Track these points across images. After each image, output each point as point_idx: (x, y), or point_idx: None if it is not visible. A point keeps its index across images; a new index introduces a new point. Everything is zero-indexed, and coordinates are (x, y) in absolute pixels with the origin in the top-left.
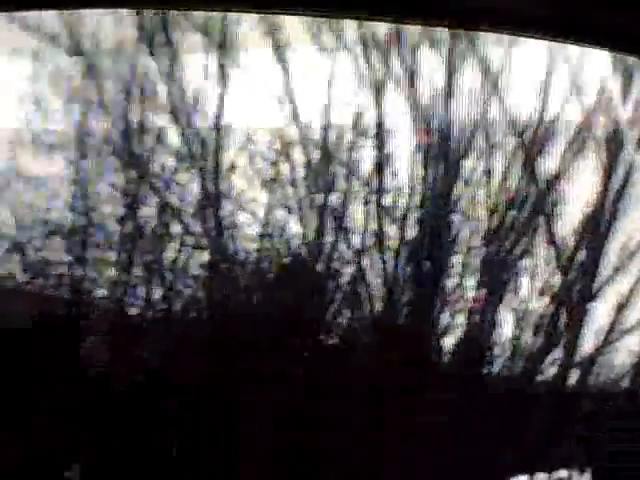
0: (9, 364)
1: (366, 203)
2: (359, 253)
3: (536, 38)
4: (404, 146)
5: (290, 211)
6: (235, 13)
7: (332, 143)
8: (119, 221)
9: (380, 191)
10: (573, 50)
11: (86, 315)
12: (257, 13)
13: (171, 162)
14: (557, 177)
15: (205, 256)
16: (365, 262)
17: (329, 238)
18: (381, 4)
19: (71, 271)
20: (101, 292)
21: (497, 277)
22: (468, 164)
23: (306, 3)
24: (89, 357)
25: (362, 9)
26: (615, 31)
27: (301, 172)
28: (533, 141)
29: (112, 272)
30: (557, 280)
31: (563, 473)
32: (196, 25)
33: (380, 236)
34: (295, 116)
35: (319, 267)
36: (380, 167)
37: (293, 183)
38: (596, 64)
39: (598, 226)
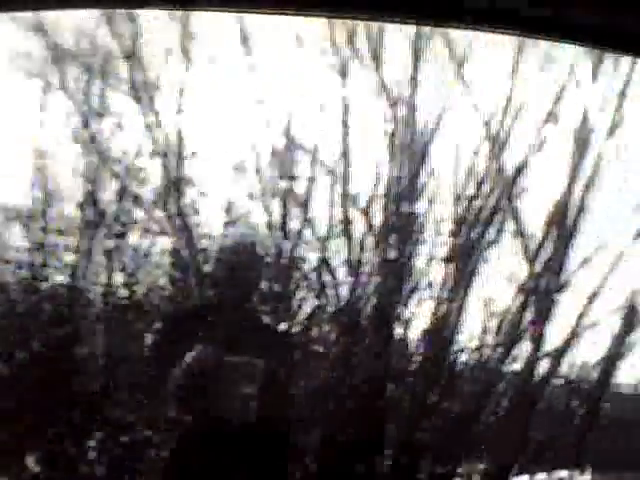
0: None
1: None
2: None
3: (536, 38)
4: (370, 132)
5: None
6: (235, 13)
7: (297, 130)
8: (80, 207)
9: (345, 178)
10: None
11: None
12: (258, 13)
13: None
14: (524, 167)
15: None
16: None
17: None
18: (381, 4)
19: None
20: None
21: (464, 267)
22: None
23: (306, 3)
24: None
25: (362, 9)
26: (615, 31)
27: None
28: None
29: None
30: (524, 271)
31: (563, 473)
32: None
33: (346, 223)
34: (260, 102)
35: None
36: (346, 153)
37: (258, 171)
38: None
39: (565, 217)
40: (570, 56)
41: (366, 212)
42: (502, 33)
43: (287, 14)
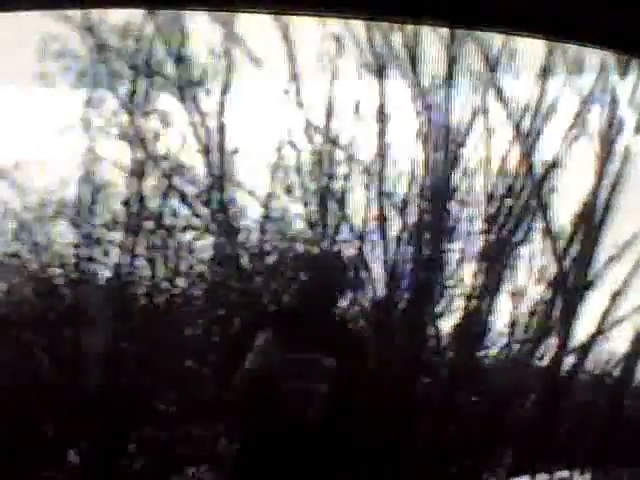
0: None
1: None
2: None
3: (536, 38)
4: (405, 133)
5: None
6: (236, 13)
7: (334, 130)
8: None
9: (381, 177)
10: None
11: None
12: (261, 13)
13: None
14: (554, 166)
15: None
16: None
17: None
18: (383, 4)
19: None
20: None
21: (495, 263)
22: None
23: (310, 3)
24: None
25: (364, 9)
26: (615, 31)
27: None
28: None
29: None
30: (553, 268)
31: (563, 473)
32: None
33: (381, 221)
34: (299, 103)
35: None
36: (382, 153)
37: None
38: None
39: (593, 215)
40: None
41: (401, 210)
42: (503, 33)
43: (287, 14)
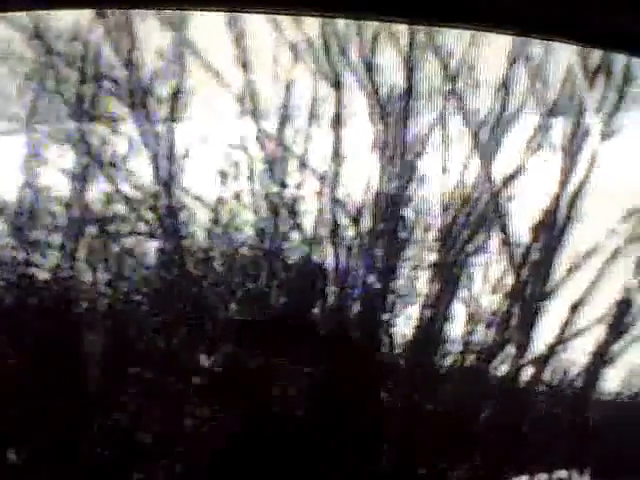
0: None
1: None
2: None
3: (536, 38)
4: (360, 140)
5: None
6: (235, 13)
7: (288, 136)
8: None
9: (335, 184)
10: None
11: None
12: (258, 13)
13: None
14: (514, 175)
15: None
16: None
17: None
18: (381, 5)
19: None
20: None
21: (450, 273)
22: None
23: (303, 3)
24: None
25: (362, 10)
26: (615, 31)
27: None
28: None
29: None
30: (510, 278)
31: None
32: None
33: (334, 229)
34: (253, 111)
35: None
36: (337, 159)
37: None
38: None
39: (553, 225)
40: (563, 62)
41: (355, 219)
42: (502, 33)
43: (287, 14)
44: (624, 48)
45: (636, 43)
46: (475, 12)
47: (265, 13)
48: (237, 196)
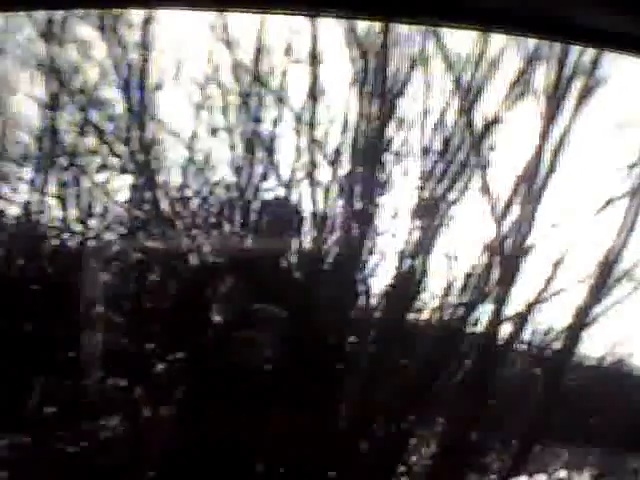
0: None
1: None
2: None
3: (536, 38)
4: (339, 77)
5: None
6: (235, 13)
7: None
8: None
9: (313, 123)
10: None
11: None
12: (258, 13)
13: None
14: (494, 123)
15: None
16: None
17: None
18: (381, 4)
19: None
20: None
21: (429, 222)
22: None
23: (305, 2)
24: None
25: (362, 9)
26: (615, 31)
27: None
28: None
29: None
30: (490, 230)
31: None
32: None
33: (311, 170)
34: (227, 41)
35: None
36: (314, 99)
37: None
38: None
39: (535, 178)
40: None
41: (333, 161)
42: (502, 33)
43: (287, 14)
44: (624, 48)
45: (636, 43)
46: (475, 12)
47: (254, 12)
48: (213, 132)
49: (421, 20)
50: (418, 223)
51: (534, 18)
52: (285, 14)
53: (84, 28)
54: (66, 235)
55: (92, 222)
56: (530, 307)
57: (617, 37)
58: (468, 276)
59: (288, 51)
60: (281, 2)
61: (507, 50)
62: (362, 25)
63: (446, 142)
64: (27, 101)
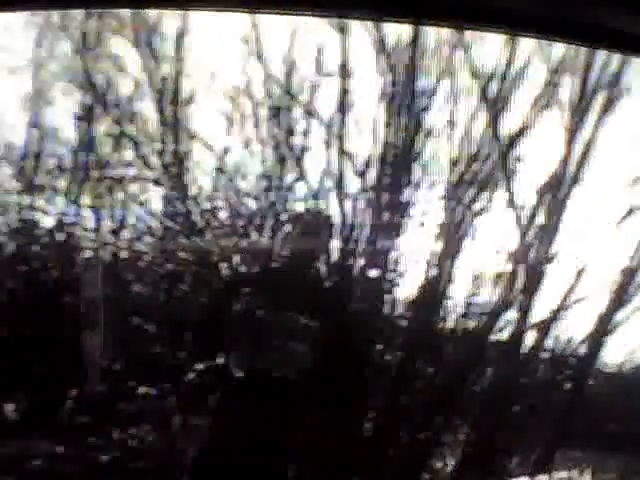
0: None
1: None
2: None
3: (536, 38)
4: (368, 93)
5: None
6: (236, 13)
7: (295, 84)
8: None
9: (342, 136)
10: None
11: None
12: (260, 13)
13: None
14: (521, 134)
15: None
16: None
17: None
18: (381, 4)
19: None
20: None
21: (455, 231)
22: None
23: (307, 2)
24: None
25: (362, 9)
26: (615, 31)
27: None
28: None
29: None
30: (515, 239)
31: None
32: None
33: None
34: (259, 54)
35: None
36: (343, 111)
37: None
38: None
39: (560, 187)
40: None
41: (362, 172)
42: (502, 33)
43: (288, 14)
44: (624, 48)
45: (636, 43)
46: (475, 12)
47: (280, 14)
48: (246, 144)
49: (448, 22)
50: (445, 232)
51: (561, 21)
52: (312, 15)
53: (118, 41)
54: (99, 246)
55: (125, 233)
56: (553, 315)
57: (618, 37)
58: (493, 284)
59: (318, 64)
60: (309, 3)
61: (533, 61)
62: (391, 37)
63: (473, 154)
64: (63, 114)
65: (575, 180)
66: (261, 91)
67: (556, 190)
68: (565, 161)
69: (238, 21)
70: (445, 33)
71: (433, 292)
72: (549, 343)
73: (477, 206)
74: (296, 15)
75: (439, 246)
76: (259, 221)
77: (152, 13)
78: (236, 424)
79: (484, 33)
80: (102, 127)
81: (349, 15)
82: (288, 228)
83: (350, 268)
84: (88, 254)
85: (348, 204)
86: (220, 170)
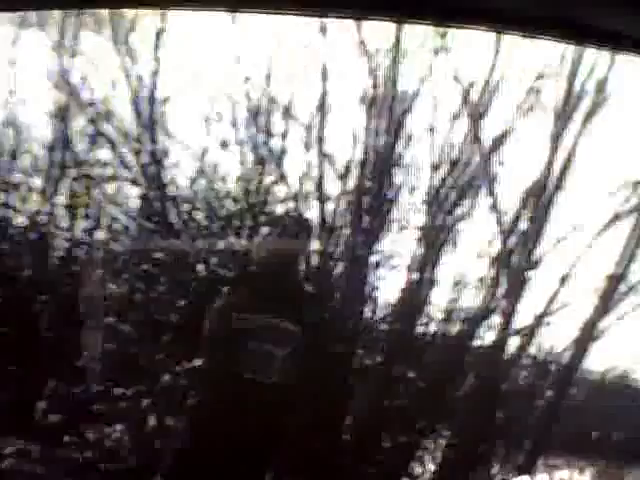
0: None
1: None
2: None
3: (536, 38)
4: (349, 95)
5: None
6: (231, 13)
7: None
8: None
9: (322, 139)
10: None
11: None
12: (260, 13)
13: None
14: (502, 139)
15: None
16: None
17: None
18: (382, 4)
19: None
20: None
21: (436, 236)
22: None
23: (304, 2)
24: None
25: (373, 10)
26: (615, 31)
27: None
28: (479, 100)
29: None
30: (497, 244)
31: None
32: None
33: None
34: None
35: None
36: (323, 113)
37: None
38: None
39: (543, 193)
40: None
41: (343, 175)
42: (502, 33)
43: (288, 13)
44: (624, 48)
45: (636, 43)
46: (475, 11)
47: (265, 13)
48: (224, 145)
49: (432, 21)
50: (425, 237)
51: (547, 19)
52: (294, 14)
53: (95, 39)
54: (74, 245)
55: (100, 233)
56: (536, 321)
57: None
58: (475, 290)
59: (298, 66)
60: (289, 2)
61: (516, 66)
62: (373, 40)
63: (455, 158)
64: (38, 112)
65: (559, 186)
66: (240, 92)
67: (539, 195)
68: (549, 166)
69: (217, 20)
70: (427, 36)
71: (414, 296)
72: (532, 349)
73: (459, 211)
74: (277, 14)
75: (420, 250)
76: (237, 223)
77: (130, 12)
78: (212, 430)
79: (467, 37)
80: (78, 126)
81: (332, 14)
82: (266, 230)
83: (330, 271)
84: (63, 253)
85: (328, 207)
86: (199, 171)
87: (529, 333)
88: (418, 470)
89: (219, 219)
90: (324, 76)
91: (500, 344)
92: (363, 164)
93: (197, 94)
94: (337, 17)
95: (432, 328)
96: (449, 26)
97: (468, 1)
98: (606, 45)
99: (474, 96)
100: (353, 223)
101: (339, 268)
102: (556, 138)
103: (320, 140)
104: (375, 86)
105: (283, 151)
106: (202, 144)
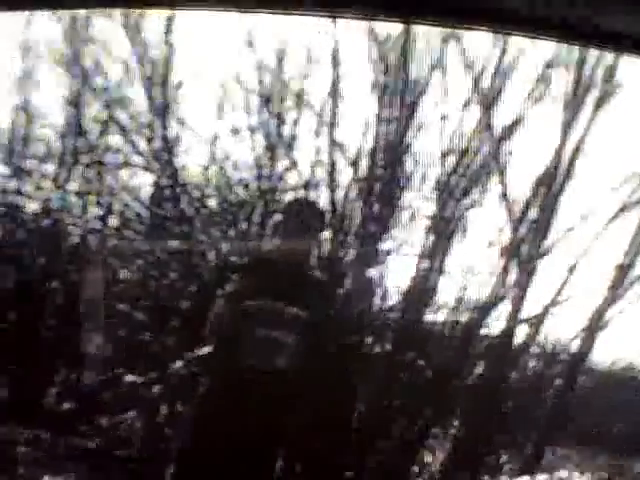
0: None
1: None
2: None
3: (536, 38)
4: (360, 83)
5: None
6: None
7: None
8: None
9: (333, 125)
10: None
11: None
12: (257, 13)
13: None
14: (514, 127)
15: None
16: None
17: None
18: (382, 3)
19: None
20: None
21: (447, 224)
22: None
23: (312, 3)
24: None
25: (381, 10)
26: (615, 31)
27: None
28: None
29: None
30: (507, 233)
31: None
32: None
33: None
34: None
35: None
36: (335, 99)
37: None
38: None
39: (553, 182)
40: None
41: (354, 162)
42: (502, 33)
43: (288, 13)
44: (624, 48)
45: (636, 43)
46: (476, 12)
47: (270, 13)
48: (235, 131)
49: (440, 21)
50: (435, 225)
51: (547, 19)
52: (303, 14)
53: (108, 26)
54: (86, 232)
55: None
56: (545, 310)
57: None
58: (484, 278)
59: (310, 52)
60: (294, 3)
61: (526, 54)
62: (383, 28)
63: (465, 147)
64: (51, 98)
65: (568, 175)
66: (252, 79)
67: (549, 185)
68: (558, 156)
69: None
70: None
71: (423, 285)
72: (540, 339)
73: (469, 199)
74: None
75: (430, 239)
76: (249, 210)
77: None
78: (219, 418)
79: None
80: (90, 112)
81: (339, 14)
82: (278, 217)
83: (340, 259)
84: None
85: (339, 194)
86: (210, 158)
87: (537, 322)
88: (427, 459)
89: (231, 205)
90: (335, 63)
91: (509, 333)
92: (374, 152)
93: (209, 80)
94: (337, 17)
95: (441, 317)
96: (450, 26)
97: (468, 1)
98: (606, 45)
99: (484, 84)
100: (363, 211)
101: (349, 256)
102: (566, 126)
103: (331, 127)
104: (386, 73)
105: (294, 138)
106: (214, 130)
